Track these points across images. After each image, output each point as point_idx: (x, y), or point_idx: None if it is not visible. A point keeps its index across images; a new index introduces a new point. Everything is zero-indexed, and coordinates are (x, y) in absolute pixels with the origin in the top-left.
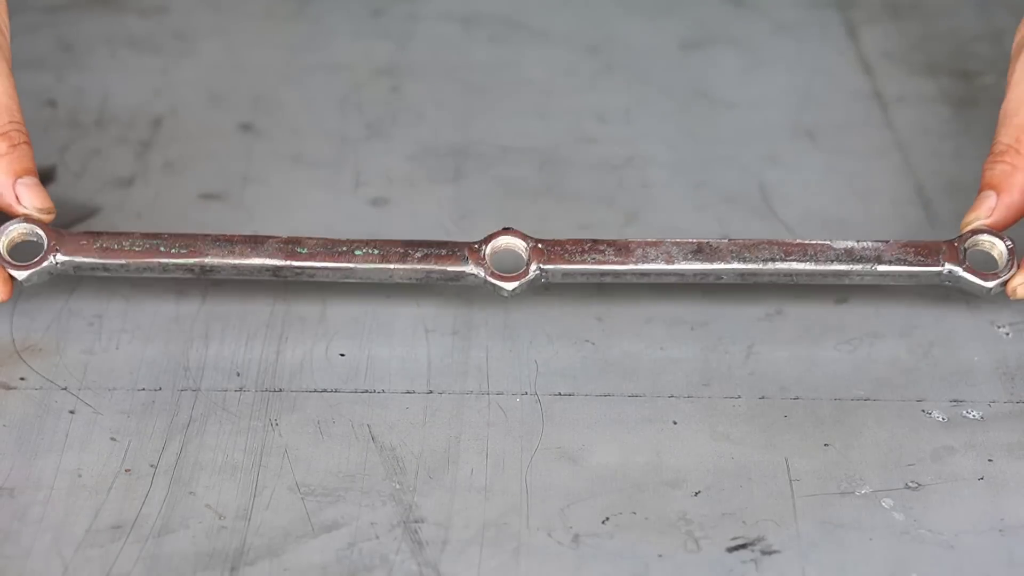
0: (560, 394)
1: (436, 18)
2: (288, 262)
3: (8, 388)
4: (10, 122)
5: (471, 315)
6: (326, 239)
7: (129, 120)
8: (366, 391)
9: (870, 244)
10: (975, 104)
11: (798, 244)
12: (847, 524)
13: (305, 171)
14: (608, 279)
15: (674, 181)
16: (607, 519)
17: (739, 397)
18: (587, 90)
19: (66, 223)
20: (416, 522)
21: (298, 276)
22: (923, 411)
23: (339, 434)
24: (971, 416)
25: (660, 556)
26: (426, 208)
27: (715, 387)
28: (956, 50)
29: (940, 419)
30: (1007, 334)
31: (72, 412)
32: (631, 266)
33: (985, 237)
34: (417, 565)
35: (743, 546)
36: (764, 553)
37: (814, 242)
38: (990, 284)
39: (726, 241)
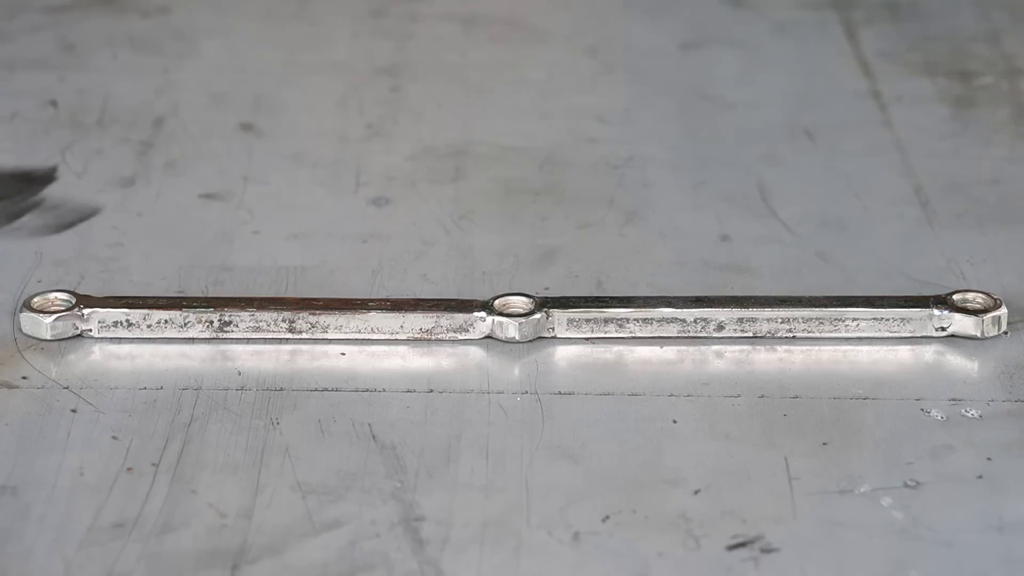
0: (560, 393)
1: (436, 18)
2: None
3: (10, 387)
4: None
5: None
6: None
7: (130, 120)
8: (367, 390)
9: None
10: (973, 104)
11: (798, 301)
12: (846, 523)
13: (306, 171)
14: (612, 329)
15: (674, 181)
16: (607, 517)
17: (738, 396)
18: (587, 90)
19: (68, 222)
20: (417, 520)
21: (312, 329)
22: (922, 410)
23: (340, 433)
24: (970, 415)
25: (660, 554)
26: (426, 208)
27: (714, 386)
28: (954, 50)
29: (939, 418)
30: (1005, 333)
31: (74, 411)
32: (635, 309)
33: (972, 294)
34: (418, 563)
35: (743, 544)
36: (764, 551)
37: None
38: (983, 317)
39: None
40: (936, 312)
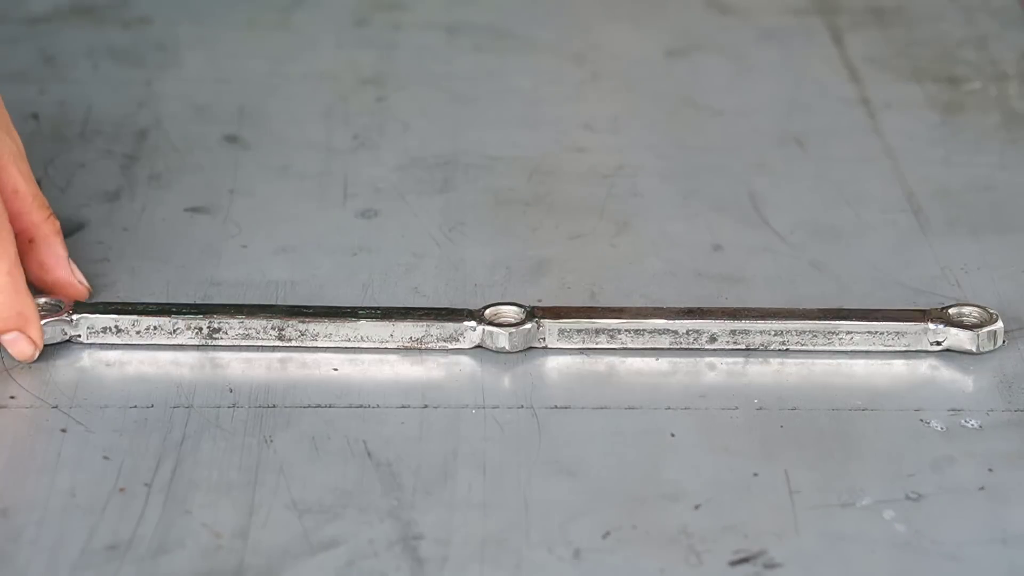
0: (556, 407)
1: (420, 27)
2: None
3: None
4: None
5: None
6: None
7: (113, 133)
8: (360, 406)
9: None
10: (962, 110)
11: (790, 312)
12: (849, 536)
13: (292, 183)
14: (603, 340)
15: (664, 190)
16: (608, 534)
17: (736, 408)
18: (574, 99)
19: None
20: (415, 539)
21: (301, 337)
22: (921, 420)
23: (334, 450)
24: (970, 425)
25: (662, 571)
26: (416, 220)
27: (712, 398)
28: (941, 56)
29: (939, 428)
30: (1003, 342)
31: (64, 431)
32: (627, 320)
33: (968, 308)
34: None
35: (745, 559)
36: (767, 567)
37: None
38: (977, 332)
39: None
40: (931, 326)
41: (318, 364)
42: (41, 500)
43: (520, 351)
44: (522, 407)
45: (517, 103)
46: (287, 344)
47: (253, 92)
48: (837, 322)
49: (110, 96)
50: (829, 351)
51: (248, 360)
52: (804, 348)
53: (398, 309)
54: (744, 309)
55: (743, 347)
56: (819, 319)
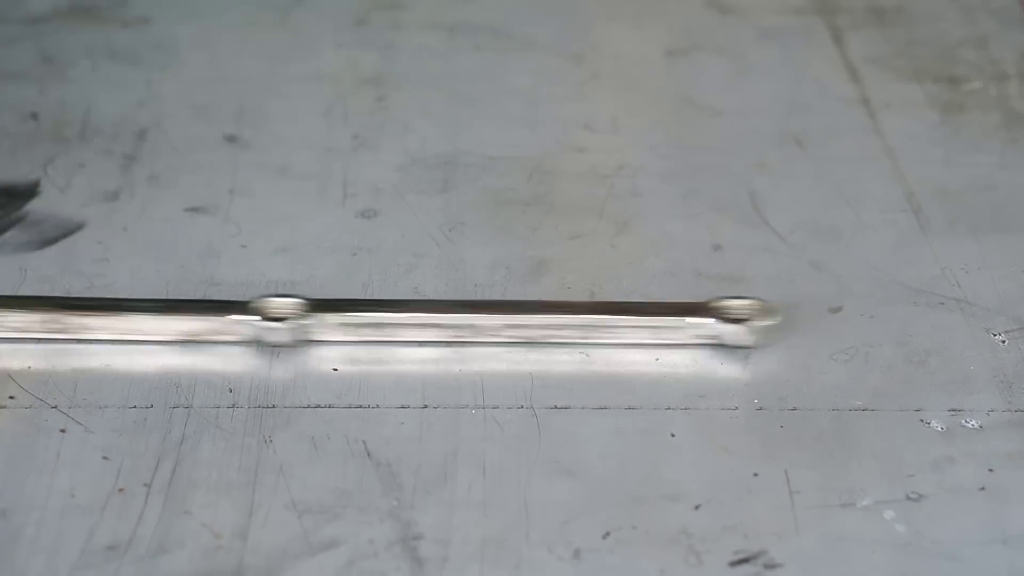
0: (556, 407)
1: (420, 27)
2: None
3: None
4: None
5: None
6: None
7: (113, 133)
8: (360, 406)
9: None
10: (962, 109)
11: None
12: (849, 537)
13: (292, 183)
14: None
15: (664, 190)
16: (607, 534)
17: (736, 408)
18: (574, 99)
19: (52, 238)
20: (415, 539)
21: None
22: (921, 420)
23: (334, 450)
24: (970, 425)
25: (662, 571)
26: (416, 220)
27: (712, 398)
28: (941, 55)
29: (939, 428)
30: (1003, 342)
31: (63, 431)
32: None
33: (740, 302)
34: None
35: (745, 560)
36: (767, 567)
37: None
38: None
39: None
40: (694, 320)
41: (318, 364)
42: (41, 500)
43: (292, 345)
44: (522, 407)
45: (517, 103)
46: (65, 337)
47: (253, 92)
48: (609, 316)
49: (110, 96)
50: (607, 344)
51: (248, 359)
52: (582, 341)
53: (174, 302)
54: (522, 303)
55: (523, 340)
56: (591, 313)
